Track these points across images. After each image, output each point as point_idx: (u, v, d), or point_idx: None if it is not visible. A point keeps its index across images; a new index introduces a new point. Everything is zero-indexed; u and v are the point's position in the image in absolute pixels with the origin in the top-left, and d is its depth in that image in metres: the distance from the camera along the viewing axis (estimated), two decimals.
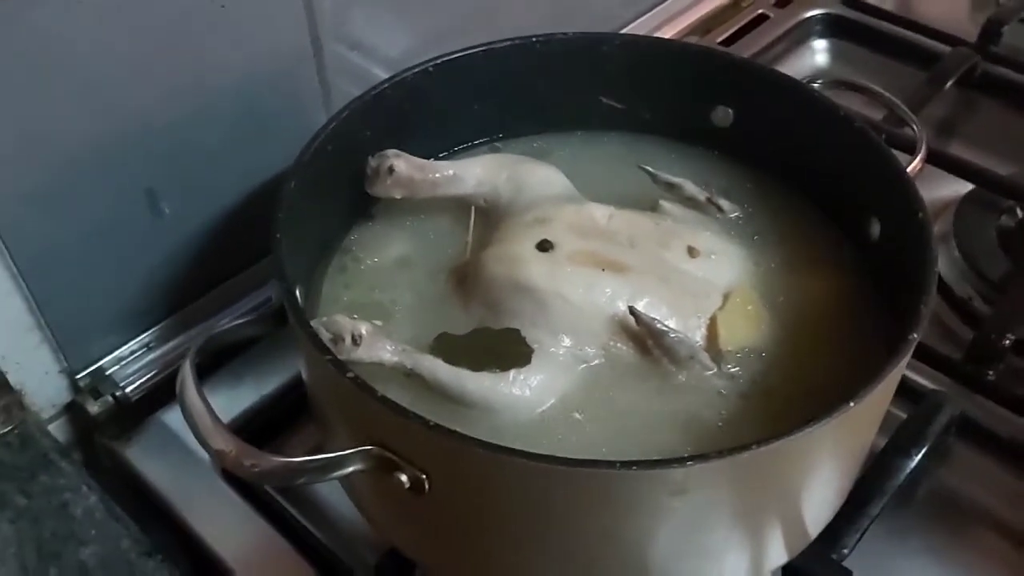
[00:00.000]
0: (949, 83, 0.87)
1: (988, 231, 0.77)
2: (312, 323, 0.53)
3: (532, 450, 0.44)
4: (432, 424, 0.45)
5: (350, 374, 0.47)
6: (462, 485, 0.47)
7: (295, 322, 0.50)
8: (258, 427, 0.66)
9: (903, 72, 0.92)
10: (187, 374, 0.50)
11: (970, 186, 0.80)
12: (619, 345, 0.56)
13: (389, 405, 0.45)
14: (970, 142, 0.88)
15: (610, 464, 0.43)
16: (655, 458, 0.44)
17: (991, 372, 0.67)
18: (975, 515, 0.65)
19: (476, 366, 0.54)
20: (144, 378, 0.68)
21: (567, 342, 0.56)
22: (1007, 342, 0.68)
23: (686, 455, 0.44)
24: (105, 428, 0.67)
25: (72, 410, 0.67)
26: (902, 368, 0.49)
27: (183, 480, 0.64)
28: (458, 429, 0.45)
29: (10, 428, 0.62)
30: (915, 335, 0.49)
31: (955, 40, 0.92)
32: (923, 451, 0.63)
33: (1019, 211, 0.78)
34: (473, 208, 0.63)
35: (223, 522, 0.63)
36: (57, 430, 0.66)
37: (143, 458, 0.66)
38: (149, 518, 0.63)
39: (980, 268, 0.74)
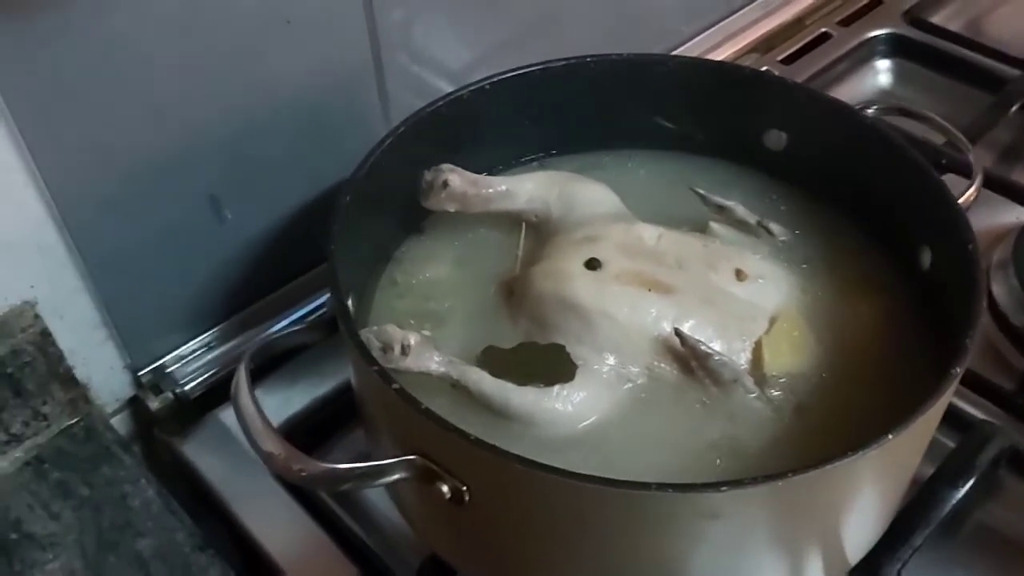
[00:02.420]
0: (1015, 107, 0.86)
1: None
2: (362, 332, 0.54)
3: (571, 465, 0.45)
4: (473, 438, 0.46)
5: (395, 385, 0.48)
6: (500, 498, 0.48)
7: (345, 332, 0.51)
8: (309, 430, 0.68)
9: (968, 94, 0.91)
10: (241, 378, 0.52)
11: None
12: (663, 365, 0.57)
13: (432, 417, 0.47)
14: None
15: (645, 486, 0.44)
16: (691, 481, 0.45)
17: None
18: (1022, 549, 0.63)
19: (521, 380, 0.55)
20: (203, 377, 0.70)
21: (611, 360, 0.57)
22: None
23: (720, 480, 0.44)
24: (164, 424, 0.69)
25: (134, 405, 0.70)
26: (945, 401, 0.49)
27: (237, 477, 0.66)
28: (500, 441, 0.46)
29: (76, 420, 0.65)
30: (958, 369, 0.48)
31: (1023, 63, 0.91)
32: (971, 482, 0.62)
33: None
34: (524, 223, 0.64)
35: (273, 520, 0.64)
36: (119, 424, 0.69)
37: (199, 454, 0.68)
38: (203, 513, 0.65)
39: None
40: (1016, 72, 0.90)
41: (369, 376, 0.49)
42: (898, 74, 0.97)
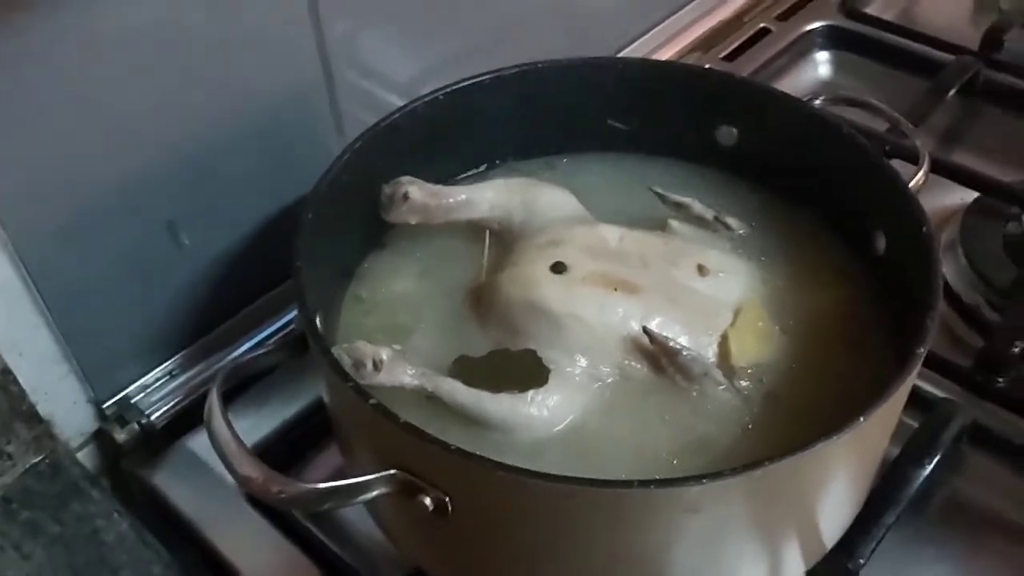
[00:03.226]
0: (952, 92, 0.88)
1: (995, 238, 0.78)
2: (333, 350, 0.54)
3: (549, 468, 0.46)
4: (454, 448, 0.46)
5: (372, 401, 0.48)
6: (484, 506, 0.48)
7: (317, 350, 0.51)
8: (281, 451, 0.67)
9: (906, 81, 0.93)
10: (214, 403, 0.51)
11: (976, 193, 0.81)
12: (633, 364, 0.58)
13: (412, 431, 0.47)
14: (974, 149, 0.89)
15: (627, 483, 0.45)
16: (669, 476, 0.46)
17: (1001, 379, 0.68)
18: (989, 521, 0.65)
19: (495, 387, 0.55)
20: (168, 405, 0.69)
21: (583, 362, 0.57)
22: (1016, 349, 0.68)
23: (701, 473, 0.45)
24: (132, 455, 0.68)
25: (99, 438, 0.69)
26: (911, 382, 0.50)
27: (209, 504, 0.65)
28: (478, 449, 0.46)
29: (41, 457, 0.64)
30: (922, 349, 0.50)
31: (957, 49, 0.93)
32: (936, 460, 0.64)
33: None
34: (488, 231, 0.65)
35: (249, 544, 0.64)
36: (85, 458, 0.68)
37: (169, 483, 0.67)
38: (177, 542, 0.64)
39: (987, 275, 0.75)
40: (950, 57, 0.92)
41: (345, 393, 0.49)
42: (837, 65, 0.99)
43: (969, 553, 0.64)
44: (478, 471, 0.46)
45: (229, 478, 0.65)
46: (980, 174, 0.81)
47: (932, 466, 0.63)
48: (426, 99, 0.65)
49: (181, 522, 0.65)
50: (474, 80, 0.66)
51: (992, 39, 0.92)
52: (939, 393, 0.68)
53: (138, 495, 0.68)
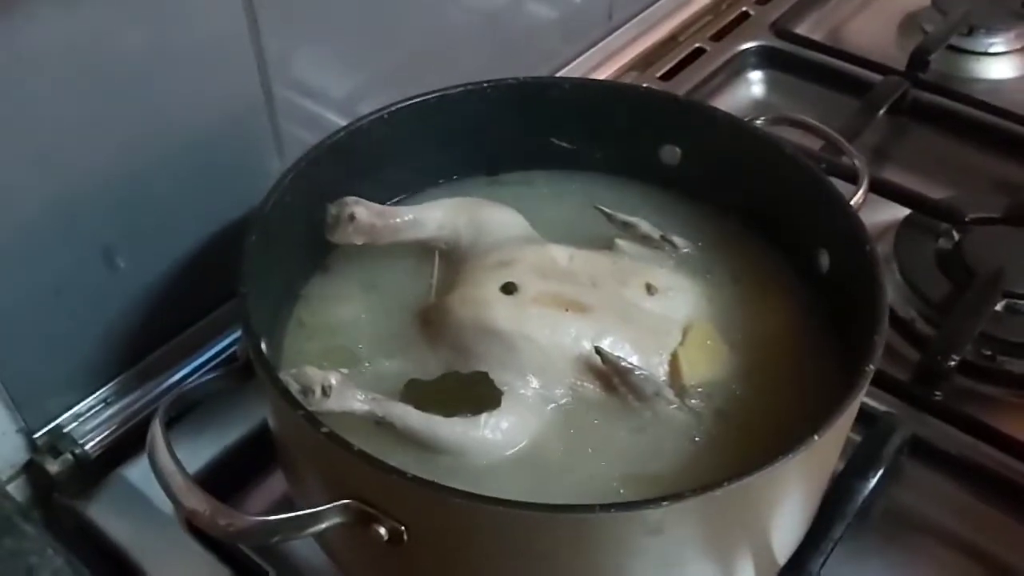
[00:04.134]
0: (882, 110, 0.90)
1: (927, 254, 0.79)
2: (281, 375, 0.53)
3: (503, 491, 0.45)
4: (411, 476, 0.45)
5: (324, 429, 0.47)
6: (441, 534, 0.48)
7: (265, 377, 0.50)
8: (222, 480, 0.65)
9: (836, 100, 0.95)
10: (157, 434, 0.50)
11: (904, 211, 0.83)
12: (585, 384, 0.57)
13: (366, 459, 0.46)
14: (903, 167, 0.91)
15: (589, 508, 0.44)
16: (625, 499, 0.46)
17: (939, 393, 0.70)
18: (929, 531, 0.66)
19: (447, 411, 0.55)
20: (103, 434, 0.67)
21: (535, 383, 0.57)
22: (952, 363, 0.70)
23: (661, 496, 0.45)
24: (65, 486, 0.65)
25: (30, 470, 0.66)
26: (860, 397, 0.51)
27: (147, 535, 0.63)
28: (429, 474, 0.46)
29: None
30: (871, 366, 0.50)
31: (885, 69, 0.95)
32: (879, 473, 0.65)
33: (955, 234, 0.80)
34: (437, 251, 0.64)
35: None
36: (15, 491, 0.65)
37: (105, 515, 0.65)
38: None
39: (921, 290, 0.77)
40: (878, 77, 0.95)
41: (295, 421, 0.48)
42: (770, 84, 1.01)
43: (911, 562, 0.65)
44: (435, 498, 0.45)
45: (167, 509, 0.64)
46: (912, 191, 0.83)
47: (875, 479, 0.65)
48: (371, 117, 0.64)
49: (118, 555, 0.63)
50: (420, 99, 0.65)
51: (918, 59, 0.95)
52: (880, 407, 0.69)
53: (71, 528, 0.66)
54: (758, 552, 0.54)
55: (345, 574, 0.57)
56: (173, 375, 0.70)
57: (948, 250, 0.80)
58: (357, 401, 0.54)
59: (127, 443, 0.67)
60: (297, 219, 0.62)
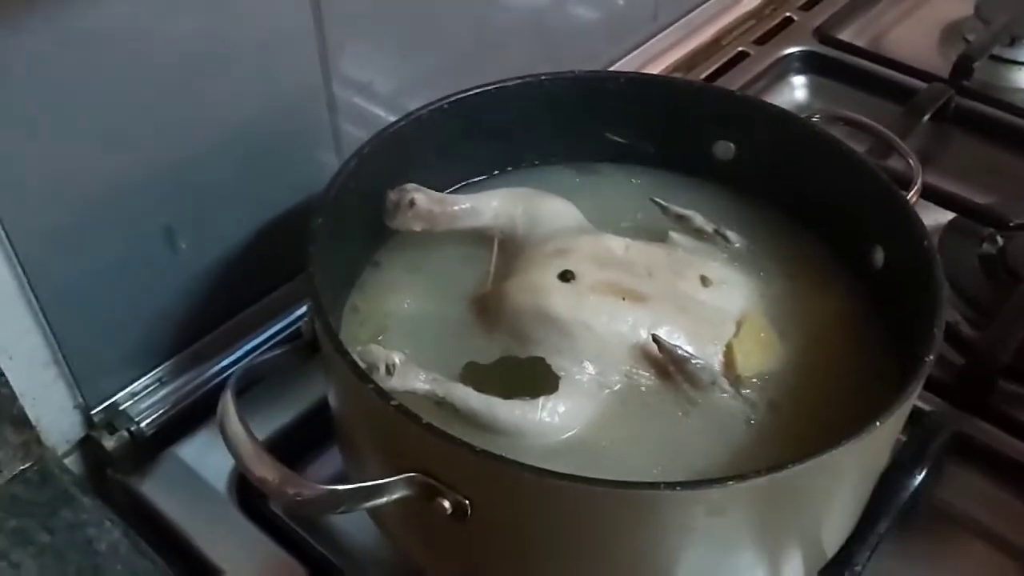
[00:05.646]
0: (926, 117, 0.91)
1: (971, 258, 0.80)
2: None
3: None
4: (479, 450, 0.46)
5: (394, 402, 0.48)
6: (505, 509, 0.48)
7: (335, 352, 0.51)
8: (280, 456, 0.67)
9: (878, 106, 0.95)
10: (228, 403, 0.51)
11: (949, 215, 0.84)
12: (640, 372, 0.58)
13: (436, 432, 0.46)
14: (946, 172, 0.91)
15: (654, 485, 0.45)
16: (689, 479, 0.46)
17: (985, 394, 0.70)
18: (970, 528, 0.67)
19: (505, 394, 0.55)
20: (158, 412, 0.68)
21: (591, 369, 0.57)
22: (998, 366, 0.70)
23: (726, 475, 0.45)
24: (120, 463, 0.66)
25: (85, 445, 0.67)
26: (920, 386, 0.52)
27: (199, 513, 0.64)
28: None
29: (30, 464, 0.62)
30: (931, 356, 0.51)
31: (929, 76, 0.96)
32: (925, 470, 0.65)
33: (999, 238, 0.81)
34: (496, 239, 0.65)
35: (241, 553, 0.63)
36: (70, 466, 0.66)
37: (158, 492, 0.66)
38: (164, 551, 0.62)
39: (965, 293, 0.77)
40: (922, 84, 0.95)
41: (363, 394, 0.49)
42: (813, 88, 1.01)
43: (952, 559, 0.65)
44: (503, 472, 0.46)
45: (219, 486, 0.65)
46: (958, 195, 0.83)
47: (921, 476, 0.65)
48: (432, 107, 0.65)
49: (170, 531, 0.64)
50: (478, 90, 0.66)
51: (962, 67, 0.95)
52: (925, 406, 0.70)
53: (124, 504, 0.67)
54: (808, 541, 0.54)
55: (400, 550, 0.58)
56: (225, 358, 0.71)
57: (992, 254, 0.80)
58: (419, 381, 0.55)
59: (180, 422, 0.68)
60: (358, 205, 0.62)
